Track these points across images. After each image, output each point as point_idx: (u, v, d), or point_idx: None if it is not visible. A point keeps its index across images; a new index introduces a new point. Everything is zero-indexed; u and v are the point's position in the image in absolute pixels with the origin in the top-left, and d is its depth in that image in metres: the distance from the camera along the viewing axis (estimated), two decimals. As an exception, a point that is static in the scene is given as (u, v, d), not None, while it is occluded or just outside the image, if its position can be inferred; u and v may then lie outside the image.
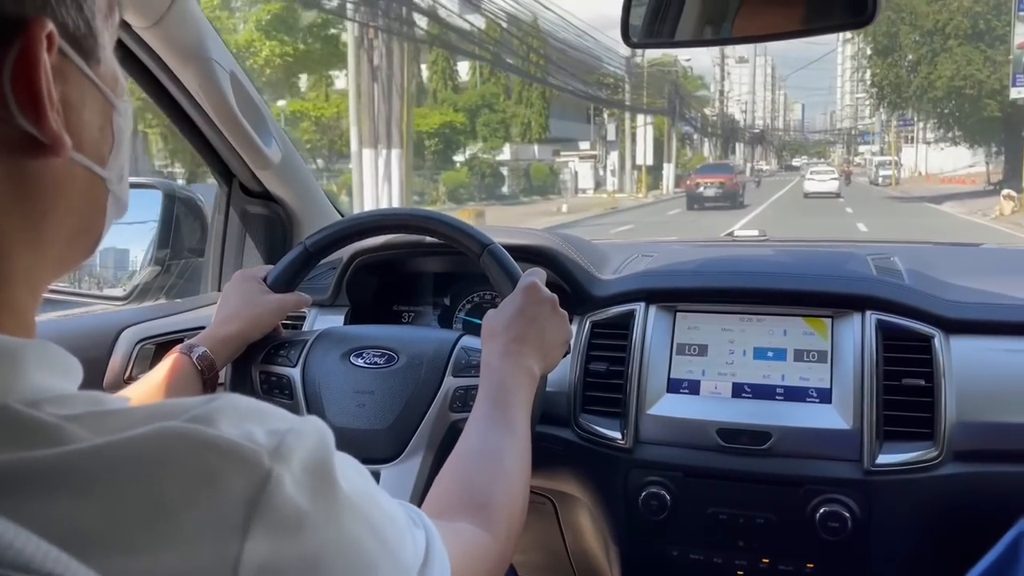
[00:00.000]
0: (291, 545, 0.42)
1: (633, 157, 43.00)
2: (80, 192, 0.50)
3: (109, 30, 0.52)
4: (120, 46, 1.25)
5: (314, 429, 0.48)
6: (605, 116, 45.03)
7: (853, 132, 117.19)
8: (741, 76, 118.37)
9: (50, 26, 0.45)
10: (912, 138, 65.74)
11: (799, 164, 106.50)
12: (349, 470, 0.50)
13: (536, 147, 41.04)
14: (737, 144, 79.54)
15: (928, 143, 57.28)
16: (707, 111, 59.89)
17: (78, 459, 0.39)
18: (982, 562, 0.54)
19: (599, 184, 44.36)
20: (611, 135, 44.04)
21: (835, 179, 38.08)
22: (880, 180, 49.17)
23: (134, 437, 0.41)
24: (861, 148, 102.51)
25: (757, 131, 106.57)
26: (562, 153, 44.18)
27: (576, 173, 42.27)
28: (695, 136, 56.46)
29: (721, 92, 75.68)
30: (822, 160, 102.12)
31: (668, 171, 45.41)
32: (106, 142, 0.52)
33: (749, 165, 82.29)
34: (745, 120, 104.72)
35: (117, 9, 0.54)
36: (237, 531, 0.41)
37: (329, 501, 0.46)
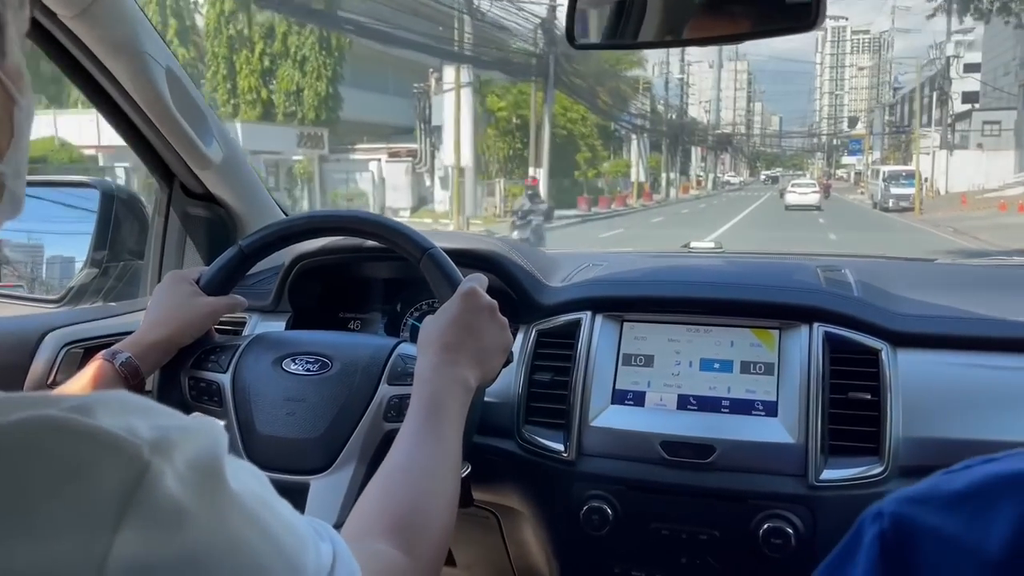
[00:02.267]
0: (167, 542, 0.41)
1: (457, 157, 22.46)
2: None
3: (18, 22, 0.51)
4: (45, 35, 1.20)
5: (206, 429, 0.47)
6: (434, 87, 24.92)
7: (835, 142, 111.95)
8: (702, 70, 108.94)
9: None
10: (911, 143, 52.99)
11: (773, 175, 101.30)
12: (244, 473, 0.48)
13: (309, 133, 25.79)
14: (694, 149, 67.33)
15: (951, 147, 43.25)
16: (643, 99, 45.29)
17: None
18: (832, 552, 0.55)
19: (423, 201, 27.98)
20: (439, 116, 23.55)
21: (816, 192, 38.26)
22: (892, 202, 32.56)
23: (2, 424, 0.40)
24: (845, 159, 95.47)
25: (719, 132, 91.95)
26: (358, 146, 28.55)
27: (383, 180, 27.49)
28: (623, 132, 43.26)
29: (667, 82, 58.83)
30: (802, 173, 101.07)
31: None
32: (4, 136, 0.51)
33: (711, 176, 72.88)
34: (709, 120, 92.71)
35: (28, 1, 0.53)
36: (107, 525, 0.39)
37: (215, 500, 0.44)
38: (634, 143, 42.85)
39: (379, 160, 28.02)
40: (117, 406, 0.43)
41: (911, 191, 32.32)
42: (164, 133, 1.39)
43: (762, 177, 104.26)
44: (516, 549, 1.48)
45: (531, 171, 23.85)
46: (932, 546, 0.49)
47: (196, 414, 0.50)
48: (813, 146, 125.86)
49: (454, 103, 22.07)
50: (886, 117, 73.44)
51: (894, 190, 33.42)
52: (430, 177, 27.48)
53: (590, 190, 35.44)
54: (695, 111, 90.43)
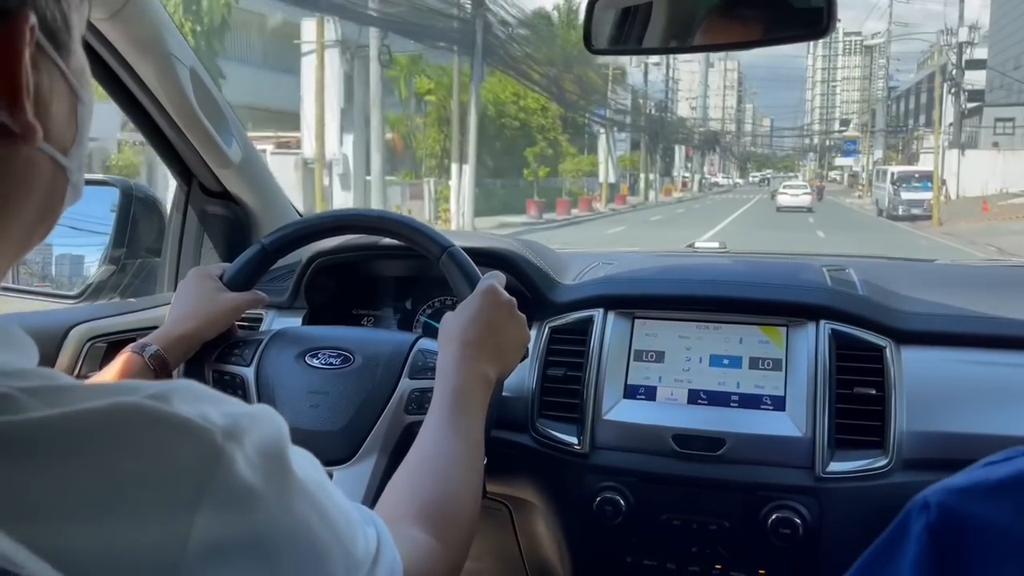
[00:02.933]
0: (241, 523, 0.43)
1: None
2: (43, 180, 0.51)
3: (80, 22, 0.53)
4: None
5: (270, 416, 0.49)
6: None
7: (828, 143, 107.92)
8: (690, 67, 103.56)
9: (33, 19, 0.45)
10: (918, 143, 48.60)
11: (764, 176, 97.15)
12: (304, 460, 0.51)
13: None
14: (678, 148, 62.19)
15: (963, 146, 38.17)
16: (618, 90, 40.84)
17: (30, 427, 0.40)
18: (876, 541, 0.56)
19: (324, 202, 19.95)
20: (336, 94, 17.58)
21: (808, 194, 38.61)
22: (903, 209, 28.38)
23: (88, 410, 0.41)
24: (839, 161, 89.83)
25: (704, 129, 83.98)
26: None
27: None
28: (594, 127, 38.43)
29: (645, 72, 49.64)
30: (794, 175, 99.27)
31: (462, 183, 20.25)
32: (70, 133, 0.53)
33: (697, 177, 69.02)
34: (695, 117, 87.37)
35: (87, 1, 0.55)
36: (187, 507, 0.41)
37: (281, 484, 0.46)
38: (602, 139, 37.77)
39: (264, 151, 22.20)
40: (189, 394, 0.46)
41: (927, 196, 27.96)
42: (186, 133, 1.42)
43: (751, 179, 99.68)
44: (527, 541, 1.52)
45: (454, 168, 19.78)
46: (981, 535, 0.50)
47: (258, 404, 0.52)
48: (805, 146, 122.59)
49: (316, 71, 15.71)
50: (892, 110, 66.94)
51: (906, 195, 28.94)
52: (329, 173, 19.51)
53: (546, 192, 30.93)
54: (683, 109, 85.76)
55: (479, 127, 20.79)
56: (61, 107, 0.51)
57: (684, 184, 66.03)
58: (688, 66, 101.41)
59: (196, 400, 0.45)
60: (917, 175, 30.55)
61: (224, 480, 0.43)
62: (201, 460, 0.43)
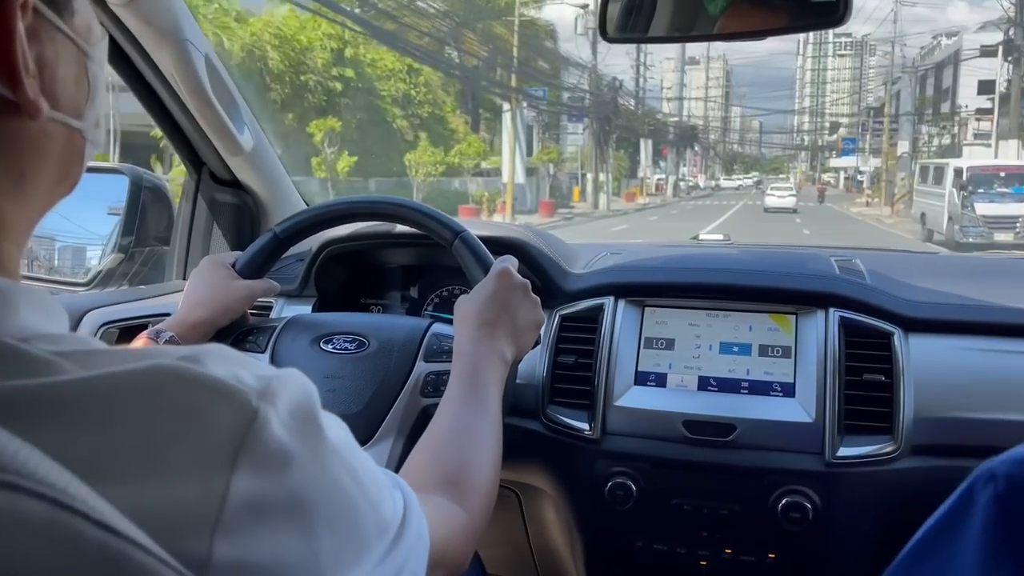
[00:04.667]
0: (277, 482, 0.43)
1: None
2: (58, 146, 0.51)
3: None
4: None
5: (300, 378, 0.49)
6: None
7: (820, 142, 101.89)
8: (663, 53, 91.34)
9: None
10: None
11: (749, 179, 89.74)
12: (333, 423, 0.51)
13: None
14: (644, 143, 50.03)
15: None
16: (543, 56, 32.56)
17: (69, 389, 0.40)
18: (938, 511, 0.57)
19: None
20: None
21: (793, 195, 39.32)
22: (963, 233, 17.44)
23: (125, 371, 0.42)
24: (834, 162, 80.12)
25: (678, 119, 70.74)
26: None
27: None
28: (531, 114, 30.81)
29: (593, 43, 33.34)
30: (785, 177, 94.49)
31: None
32: (82, 93, 0.53)
33: (672, 179, 56.81)
34: (669, 109, 73.92)
35: None
36: (224, 466, 0.41)
37: (315, 444, 0.47)
38: (505, 120, 25.64)
39: None
40: (220, 357, 0.46)
41: (1014, 212, 17.47)
42: (200, 120, 1.43)
43: (735, 184, 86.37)
44: (536, 528, 1.53)
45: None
46: None
47: (287, 368, 0.52)
48: (797, 144, 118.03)
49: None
50: (916, 90, 46.04)
51: (987, 206, 17.71)
52: None
53: (443, 197, 22.43)
54: (658, 103, 73.77)
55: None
56: (70, 70, 0.51)
57: (659, 187, 56.08)
58: (670, 62, 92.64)
59: (227, 362, 0.46)
60: (1003, 174, 18.81)
61: (260, 440, 0.43)
62: (237, 421, 0.43)
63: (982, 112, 35.53)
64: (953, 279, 1.50)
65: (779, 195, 38.82)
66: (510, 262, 1.10)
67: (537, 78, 31.60)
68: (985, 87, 36.13)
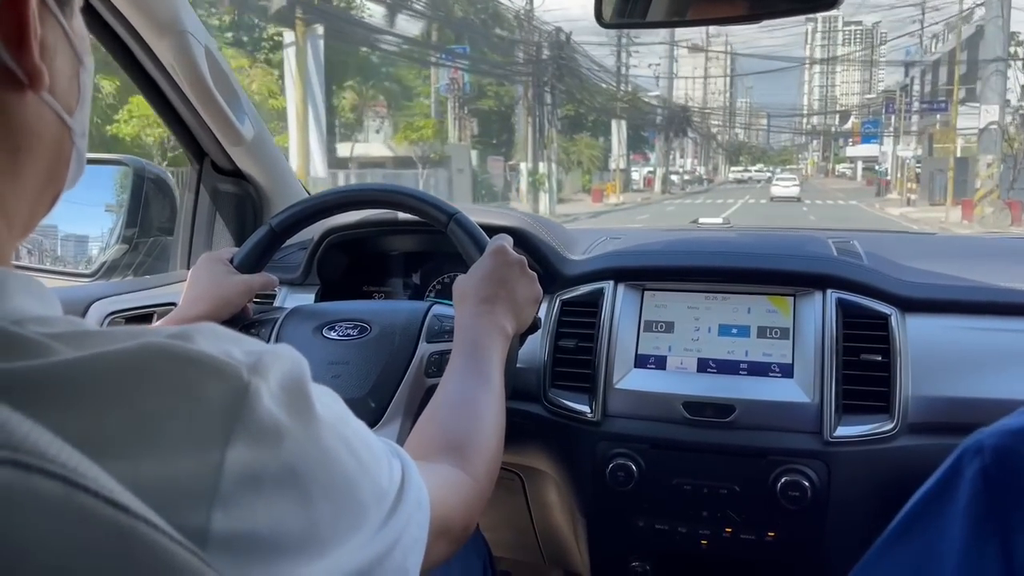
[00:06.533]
0: (271, 455, 0.44)
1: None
2: (50, 136, 0.52)
3: None
4: (95, 16, 1.25)
5: (290, 353, 0.50)
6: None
7: (833, 129, 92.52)
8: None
9: None
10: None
11: (740, 174, 79.45)
12: (325, 396, 0.52)
13: None
14: (615, 124, 38.85)
15: None
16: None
17: (62, 370, 0.41)
18: (926, 483, 0.57)
19: None
20: None
21: (797, 185, 41.88)
22: None
23: (115, 351, 0.42)
24: (851, 150, 72.27)
25: (660, 95, 59.54)
26: None
27: None
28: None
29: None
30: (788, 168, 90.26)
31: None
32: (73, 94, 0.54)
33: (661, 171, 48.12)
34: (662, 91, 62.28)
35: None
36: (218, 440, 0.42)
37: (306, 417, 0.48)
38: (289, 59, 17.67)
39: None
40: (211, 334, 0.47)
41: None
42: (200, 111, 1.44)
43: (730, 176, 78.70)
44: (539, 510, 1.54)
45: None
46: None
47: (278, 343, 0.53)
48: (809, 130, 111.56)
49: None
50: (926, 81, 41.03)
51: None
52: None
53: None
54: (661, 87, 62.55)
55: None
56: (64, 66, 0.52)
57: (648, 181, 48.16)
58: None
59: (218, 339, 0.47)
60: None
61: (252, 414, 0.44)
62: (229, 395, 0.44)
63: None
64: (951, 259, 1.50)
65: (784, 185, 42.09)
66: (505, 239, 1.12)
67: (454, 28, 24.91)
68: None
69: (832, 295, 1.30)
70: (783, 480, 1.22)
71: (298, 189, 1.76)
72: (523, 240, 1.44)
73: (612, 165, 40.19)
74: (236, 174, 1.66)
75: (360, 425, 0.56)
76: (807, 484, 1.21)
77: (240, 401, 0.44)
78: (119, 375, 0.42)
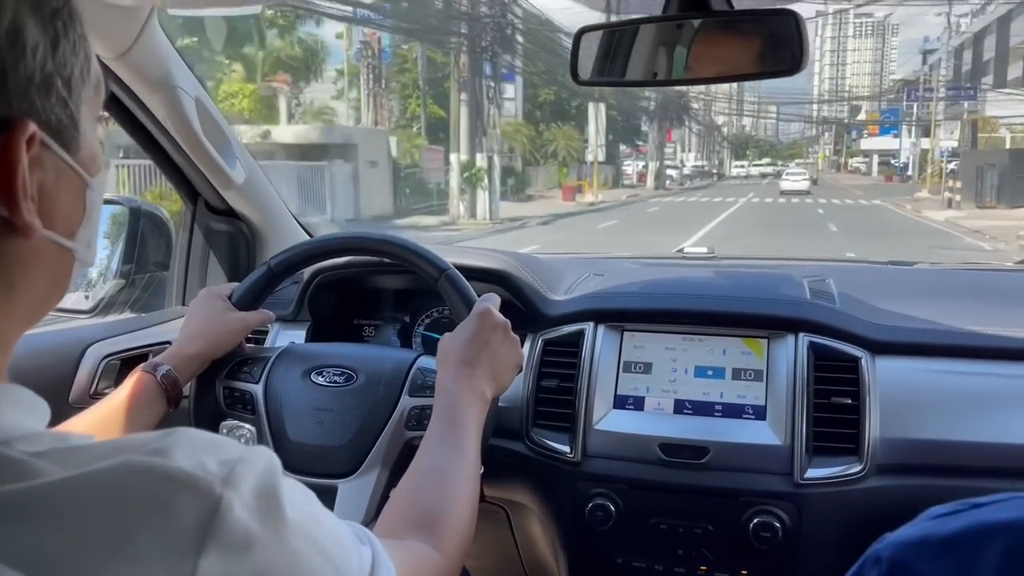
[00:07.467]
0: (242, 564, 0.48)
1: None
2: (48, 264, 0.55)
3: (93, 110, 0.56)
4: None
5: (263, 458, 0.53)
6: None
7: (847, 121, 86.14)
8: None
9: (32, 128, 0.49)
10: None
11: (744, 168, 74.36)
12: (295, 495, 0.55)
13: None
14: (592, 107, 30.64)
15: None
16: None
17: (46, 492, 0.45)
18: None
19: None
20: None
21: (806, 179, 42.54)
22: None
23: (97, 471, 0.46)
24: (866, 143, 67.93)
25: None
26: None
27: None
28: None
29: None
30: (797, 162, 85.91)
31: None
32: (77, 216, 0.56)
33: (654, 165, 43.20)
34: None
35: (103, 87, 0.58)
36: (191, 552, 0.46)
37: (277, 523, 0.51)
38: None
39: None
40: (188, 445, 0.50)
41: None
42: (193, 158, 1.49)
43: (737, 170, 73.96)
44: (524, 540, 1.59)
45: None
46: None
47: (253, 446, 0.56)
48: (821, 119, 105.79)
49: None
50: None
51: None
52: None
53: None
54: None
55: None
56: (68, 195, 0.54)
57: (641, 176, 44.73)
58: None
59: (195, 450, 0.50)
60: None
61: (224, 526, 0.47)
62: (201, 510, 0.47)
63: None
64: (925, 297, 1.53)
65: (793, 179, 42.99)
66: (491, 301, 1.15)
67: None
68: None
69: (804, 338, 1.34)
70: (755, 521, 1.26)
71: (292, 226, 1.80)
72: (507, 282, 1.48)
73: (588, 157, 32.40)
74: (229, 213, 1.70)
75: (328, 519, 0.59)
76: (778, 525, 1.25)
77: (212, 515, 0.47)
78: (99, 495, 0.45)
